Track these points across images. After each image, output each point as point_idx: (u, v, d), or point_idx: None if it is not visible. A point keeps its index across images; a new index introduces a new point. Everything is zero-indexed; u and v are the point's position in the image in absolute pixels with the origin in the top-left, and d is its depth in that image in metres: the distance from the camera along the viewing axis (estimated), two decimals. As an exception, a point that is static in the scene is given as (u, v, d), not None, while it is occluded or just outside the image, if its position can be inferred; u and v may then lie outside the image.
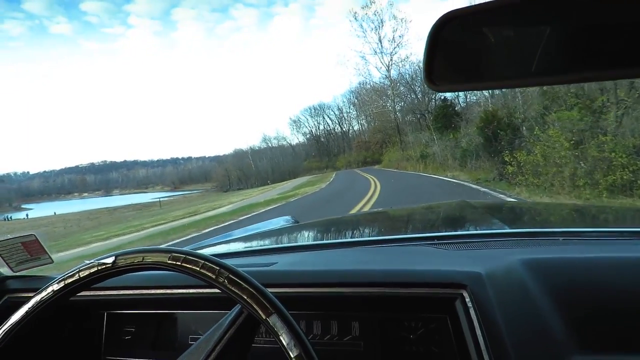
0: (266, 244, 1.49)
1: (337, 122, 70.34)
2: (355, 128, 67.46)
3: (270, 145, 74.25)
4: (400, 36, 40.71)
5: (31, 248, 0.98)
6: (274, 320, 0.52)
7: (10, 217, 63.08)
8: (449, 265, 0.77)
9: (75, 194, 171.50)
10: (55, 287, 0.59)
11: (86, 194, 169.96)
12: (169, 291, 0.83)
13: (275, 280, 0.77)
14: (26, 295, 0.87)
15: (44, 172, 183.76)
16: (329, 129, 71.35)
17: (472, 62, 0.53)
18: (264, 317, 0.53)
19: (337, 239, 1.46)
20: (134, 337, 0.91)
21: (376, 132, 53.43)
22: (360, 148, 60.68)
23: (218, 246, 1.47)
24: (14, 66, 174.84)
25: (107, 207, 54.53)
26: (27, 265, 0.96)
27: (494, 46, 0.52)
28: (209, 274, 0.55)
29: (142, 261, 0.57)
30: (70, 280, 0.59)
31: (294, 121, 74.46)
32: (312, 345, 0.52)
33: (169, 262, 0.57)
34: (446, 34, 0.51)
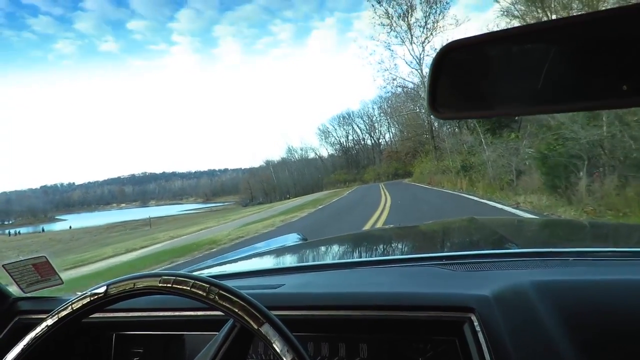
0: (273, 263, 1.50)
1: (366, 131, 65.36)
2: (387, 138, 62.31)
3: (294, 157, 70.20)
4: (434, 22, 32.68)
5: (42, 269, 1.00)
6: (266, 329, 0.54)
7: (19, 232, 62.25)
8: (456, 288, 0.77)
9: (114, 204, 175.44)
10: (50, 321, 0.60)
11: (124, 205, 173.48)
12: (177, 313, 0.85)
13: (282, 303, 0.78)
14: (37, 317, 0.88)
15: (88, 182, 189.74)
16: (357, 138, 66.52)
17: (477, 91, 0.54)
18: (256, 327, 0.54)
19: (345, 258, 1.45)
20: (142, 358, 0.92)
21: (407, 140, 47.73)
22: (390, 159, 55.64)
23: (224, 266, 1.47)
24: (66, 83, 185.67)
25: (119, 222, 52.54)
26: (37, 286, 0.99)
27: (498, 75, 0.53)
28: (200, 292, 0.57)
29: (133, 287, 0.59)
30: (64, 314, 0.60)
31: (322, 131, 70.09)
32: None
33: (160, 285, 0.58)
34: (450, 63, 0.52)
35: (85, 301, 0.60)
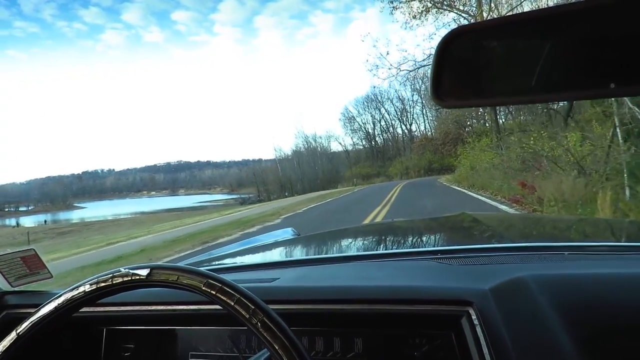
0: (268, 257, 1.48)
1: (396, 115, 53.88)
2: (421, 125, 50.81)
3: (311, 147, 59.59)
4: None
5: (30, 263, 0.98)
6: None
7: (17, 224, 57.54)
8: (454, 282, 0.78)
9: (144, 192, 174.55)
10: (37, 315, 0.59)
11: (154, 193, 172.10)
12: (169, 307, 0.83)
13: (278, 297, 0.77)
14: (25, 311, 0.87)
15: (127, 169, 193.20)
16: (386, 125, 55.33)
17: (481, 79, 0.53)
18: None
19: (340, 252, 1.43)
20: (134, 354, 0.90)
21: (447, 123, 35.79)
22: (423, 149, 44.08)
23: (220, 259, 1.45)
24: (112, 72, 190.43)
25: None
26: (26, 280, 0.97)
27: (503, 62, 0.52)
28: (243, 311, 0.53)
29: (176, 280, 0.56)
30: (103, 285, 0.58)
31: (347, 118, 59.34)
32: None
33: (204, 288, 0.55)
34: (454, 50, 0.51)
35: (125, 278, 0.57)
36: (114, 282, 0.58)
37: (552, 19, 0.45)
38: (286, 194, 47.22)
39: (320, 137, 61.78)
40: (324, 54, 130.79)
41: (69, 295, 0.58)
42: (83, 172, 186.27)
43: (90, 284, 0.58)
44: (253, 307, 0.52)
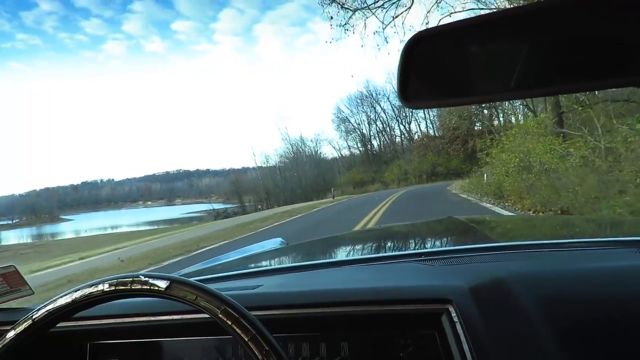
0: (253, 266, 1.46)
1: (394, 114, 47.57)
2: (422, 125, 44.56)
3: (296, 153, 53.34)
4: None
5: (11, 279, 0.96)
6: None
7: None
8: (435, 281, 0.78)
9: (140, 202, 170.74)
10: (12, 332, 0.59)
11: (150, 203, 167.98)
12: (153, 318, 0.82)
13: (260, 303, 0.77)
14: (4, 329, 0.81)
15: (127, 179, 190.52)
16: (383, 125, 49.13)
17: (448, 79, 0.55)
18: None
19: (324, 259, 1.41)
20: None
21: (452, 116, 28.78)
22: (425, 150, 37.75)
23: (209, 270, 1.41)
24: (114, 82, 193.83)
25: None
26: (6, 297, 0.94)
27: (468, 62, 0.53)
28: (256, 350, 0.52)
29: (194, 300, 0.54)
30: (121, 288, 0.57)
31: (341, 119, 53.15)
32: None
33: (220, 316, 0.53)
34: (420, 52, 0.52)
35: (144, 286, 0.56)
36: (133, 287, 0.57)
37: (518, 20, 0.47)
38: (259, 207, 41.56)
39: (312, 141, 55.81)
40: (323, 60, 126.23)
41: (87, 291, 0.58)
42: (82, 183, 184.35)
43: (110, 284, 0.58)
44: (267, 348, 0.51)
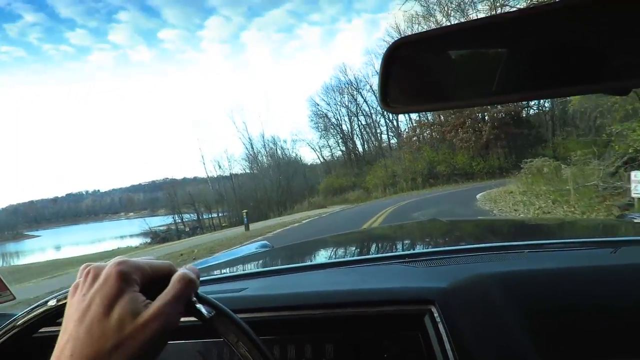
0: (238, 269, 1.47)
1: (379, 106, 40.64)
2: (414, 115, 37.33)
3: (259, 160, 45.56)
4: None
5: None
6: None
7: None
8: (417, 282, 0.79)
9: (122, 213, 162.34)
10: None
11: (132, 214, 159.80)
12: None
13: (245, 306, 0.77)
14: None
15: (113, 189, 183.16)
16: (365, 120, 41.82)
17: (429, 84, 0.56)
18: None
19: (309, 261, 1.44)
20: None
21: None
22: (418, 143, 30.21)
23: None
24: (101, 92, 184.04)
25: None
26: None
27: (449, 68, 0.55)
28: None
29: (235, 342, 0.50)
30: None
31: (319, 115, 45.63)
32: None
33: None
34: (401, 58, 0.54)
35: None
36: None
37: (492, 28, 0.48)
38: (197, 230, 34.20)
39: (285, 142, 48.45)
40: (312, 66, 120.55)
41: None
42: (67, 194, 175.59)
43: None
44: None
